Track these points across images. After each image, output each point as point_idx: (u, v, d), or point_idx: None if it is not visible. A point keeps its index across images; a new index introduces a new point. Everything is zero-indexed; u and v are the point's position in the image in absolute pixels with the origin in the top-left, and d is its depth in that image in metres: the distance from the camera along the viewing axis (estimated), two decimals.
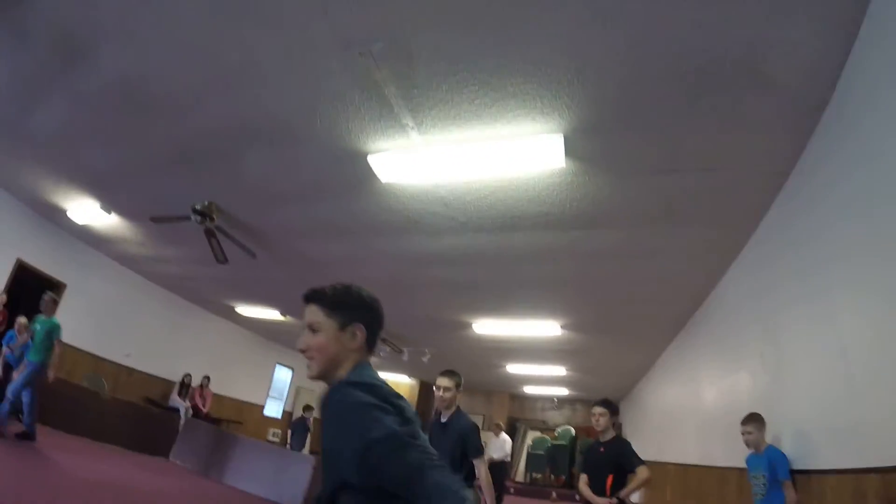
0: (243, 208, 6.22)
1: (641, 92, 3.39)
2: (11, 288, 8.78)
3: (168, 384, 11.66)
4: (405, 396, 1.42)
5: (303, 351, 1.53)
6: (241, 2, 3.22)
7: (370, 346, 1.58)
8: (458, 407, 4.08)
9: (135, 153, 5.41)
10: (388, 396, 1.36)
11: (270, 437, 14.14)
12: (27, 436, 6.45)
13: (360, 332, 1.54)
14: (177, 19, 3.47)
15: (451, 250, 6.13)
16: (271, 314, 11.41)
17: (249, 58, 3.67)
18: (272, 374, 14.93)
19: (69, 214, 7.96)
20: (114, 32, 3.72)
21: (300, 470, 8.20)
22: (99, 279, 10.05)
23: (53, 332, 6.62)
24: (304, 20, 3.24)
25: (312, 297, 1.57)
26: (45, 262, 9.10)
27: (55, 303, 6.82)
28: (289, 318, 11.32)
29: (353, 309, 1.56)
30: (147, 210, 6.75)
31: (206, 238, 6.68)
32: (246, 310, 11.63)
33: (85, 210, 7.69)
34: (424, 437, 1.35)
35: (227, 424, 12.13)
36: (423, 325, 9.85)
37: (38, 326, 6.61)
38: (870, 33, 2.71)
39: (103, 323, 10.29)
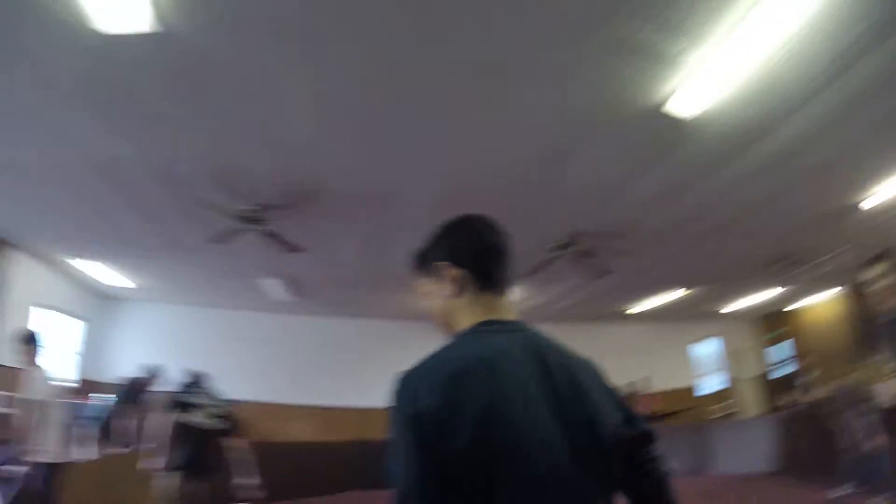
0: (595, 220, 6.49)
1: None
2: None
3: None
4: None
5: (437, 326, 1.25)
6: None
7: (482, 280, 1.18)
8: None
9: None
10: (401, 421, 0.96)
11: (720, 413, 13.40)
12: None
13: (448, 271, 1.18)
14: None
15: (800, 134, 5.02)
16: (671, 295, 11.10)
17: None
18: (697, 352, 14.21)
19: None
20: None
21: (762, 433, 7.72)
22: None
23: None
24: None
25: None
26: None
27: None
28: (692, 291, 10.85)
29: (433, 250, 1.25)
30: (519, 268, 7.67)
31: (578, 265, 7.17)
32: (645, 304, 11.67)
33: None
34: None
35: (673, 416, 12.04)
36: (814, 228, 8.18)
37: None
38: None
39: None
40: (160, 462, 4.55)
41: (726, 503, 6.17)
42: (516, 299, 9.12)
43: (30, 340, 4.17)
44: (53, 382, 4.23)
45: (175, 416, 4.60)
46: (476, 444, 0.91)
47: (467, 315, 1.16)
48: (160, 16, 3.38)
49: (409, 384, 0.99)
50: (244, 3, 3.37)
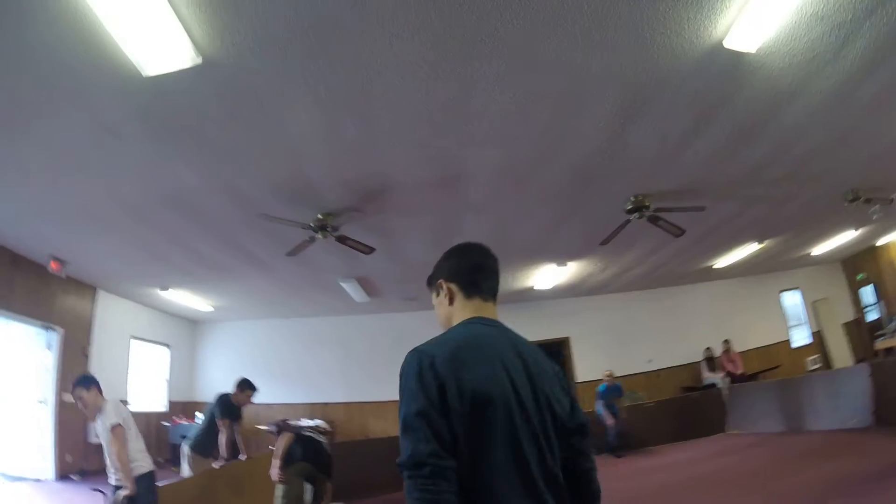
0: (660, 179, 6.31)
1: None
2: None
3: (693, 367, 12.01)
4: None
5: None
6: None
7: (469, 289, 1.57)
8: None
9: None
10: (417, 375, 1.29)
11: (811, 367, 12.85)
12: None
13: (445, 286, 1.60)
14: None
15: (866, 54, 4.39)
16: (747, 250, 10.52)
17: None
18: (781, 305, 13.53)
19: (535, 287, 10.35)
20: None
21: (857, 383, 7.34)
22: (599, 316, 12.28)
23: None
24: None
25: None
26: (546, 332, 11.68)
27: None
28: (767, 244, 10.27)
29: (435, 272, 1.66)
30: (591, 239, 7.88)
31: (651, 225, 7.01)
32: (723, 260, 11.16)
33: (547, 273, 9.87)
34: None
35: (765, 374, 11.66)
36: (888, 160, 6.88)
37: None
38: None
39: (611, 348, 11.88)
40: (280, 465, 5.15)
41: (824, 461, 5.90)
42: (591, 272, 9.08)
43: (90, 382, 4.41)
44: (126, 406, 4.56)
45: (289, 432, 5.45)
46: (467, 386, 1.26)
47: (460, 316, 1.54)
48: (199, 48, 3.46)
49: (427, 350, 1.34)
50: (276, 19, 3.39)
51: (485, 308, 1.56)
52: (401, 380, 1.32)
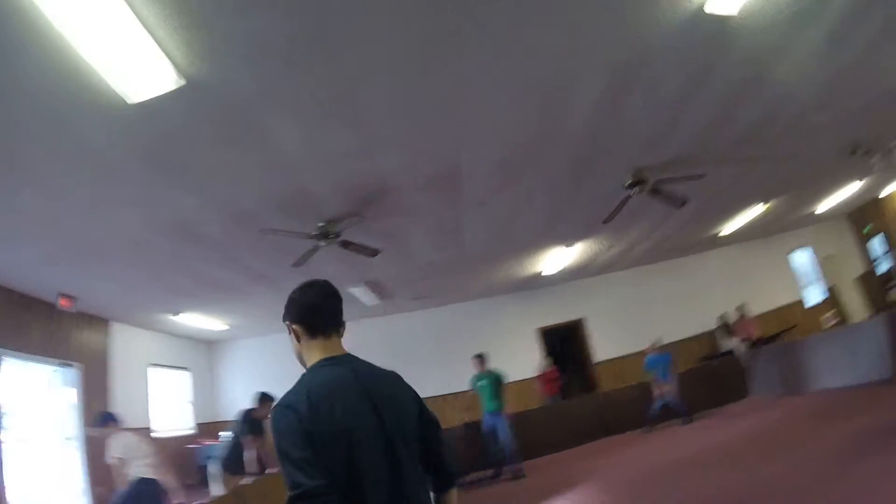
0: (657, 150, 6.27)
1: None
2: (548, 351, 11.88)
3: (710, 335, 12.02)
4: None
5: None
6: None
7: (311, 329, 1.70)
8: None
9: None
10: (288, 427, 1.48)
11: (827, 324, 12.75)
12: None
13: (292, 328, 1.73)
14: None
15: (849, 1, 4.34)
16: (752, 213, 10.45)
17: None
18: (790, 266, 13.45)
19: (544, 273, 10.32)
20: None
21: (873, 337, 7.28)
22: (611, 294, 12.43)
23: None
24: None
25: None
26: (560, 315, 12.04)
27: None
28: (772, 204, 10.22)
29: (285, 313, 1.77)
30: (595, 219, 7.88)
31: (652, 199, 7.00)
32: (729, 226, 11.12)
33: (555, 257, 9.88)
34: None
35: (783, 336, 11.60)
36: (886, 107, 6.86)
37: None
38: None
39: (626, 325, 12.03)
40: None
41: (845, 419, 5.85)
42: (598, 251, 9.06)
43: (107, 420, 5.30)
44: (132, 435, 5.26)
45: None
46: (329, 428, 1.47)
47: (310, 354, 1.71)
48: (180, 69, 3.45)
49: (290, 404, 1.52)
50: (254, 36, 3.38)
51: (329, 344, 1.72)
52: (274, 432, 1.51)
